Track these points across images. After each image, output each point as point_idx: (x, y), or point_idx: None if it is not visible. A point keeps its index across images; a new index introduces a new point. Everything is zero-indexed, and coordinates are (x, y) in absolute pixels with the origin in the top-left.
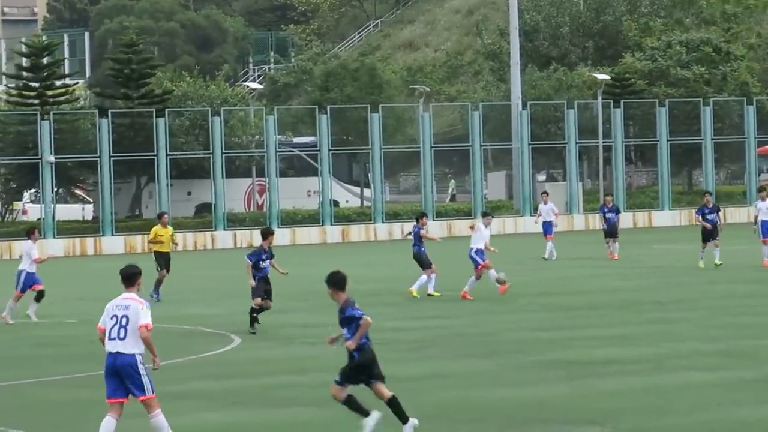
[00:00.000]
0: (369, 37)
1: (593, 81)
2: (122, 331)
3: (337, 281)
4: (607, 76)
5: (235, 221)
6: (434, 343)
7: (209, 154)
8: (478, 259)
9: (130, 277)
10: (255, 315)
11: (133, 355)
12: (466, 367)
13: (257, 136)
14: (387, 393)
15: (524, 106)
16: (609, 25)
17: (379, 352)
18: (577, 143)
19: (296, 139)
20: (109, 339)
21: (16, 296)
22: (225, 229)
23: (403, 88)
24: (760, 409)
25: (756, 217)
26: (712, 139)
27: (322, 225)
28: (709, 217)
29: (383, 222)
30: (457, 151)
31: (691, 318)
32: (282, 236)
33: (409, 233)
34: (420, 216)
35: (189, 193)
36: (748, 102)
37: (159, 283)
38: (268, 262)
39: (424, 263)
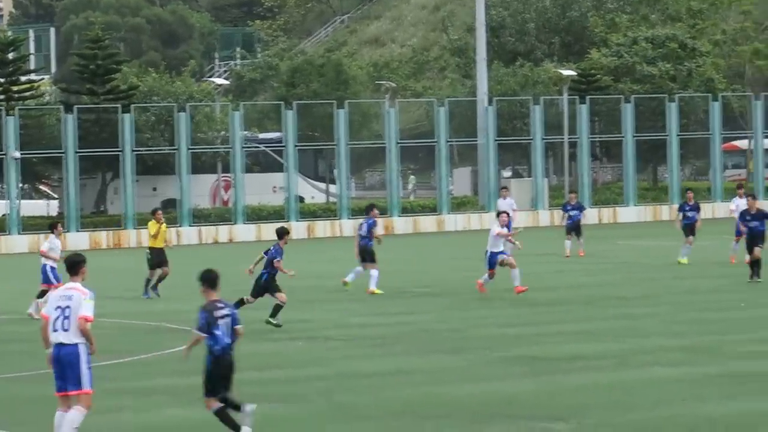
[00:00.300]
0: (335, 33)
1: (559, 77)
2: (65, 322)
3: (208, 279)
4: (572, 72)
5: (200, 217)
6: (400, 339)
7: (175, 149)
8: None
9: (73, 266)
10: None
11: (76, 345)
12: (432, 363)
13: (223, 132)
14: (216, 405)
15: (490, 102)
16: (575, 21)
17: (344, 348)
18: (542, 139)
19: (262, 135)
20: (53, 330)
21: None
22: (190, 225)
23: (369, 83)
24: (724, 405)
25: (732, 212)
26: (677, 135)
27: (288, 221)
28: (689, 214)
29: (349, 218)
30: (422, 147)
31: (655, 314)
32: (247, 232)
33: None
34: (370, 208)
35: (154, 189)
36: (713, 98)
37: (160, 279)
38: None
39: (369, 257)
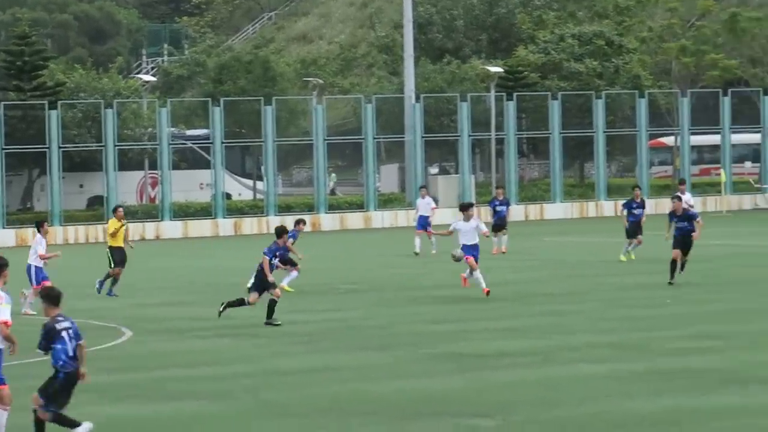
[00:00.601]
0: (263, 30)
1: (486, 74)
2: None
3: (50, 297)
4: (500, 69)
5: (127, 214)
6: (327, 335)
7: (102, 146)
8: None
9: None
10: (228, 306)
11: None
12: (359, 360)
13: (150, 129)
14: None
15: (417, 99)
16: (502, 17)
17: (271, 345)
18: (469, 136)
19: (189, 132)
20: None
21: (35, 291)
22: None
23: (297, 80)
24: (651, 401)
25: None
26: (604, 132)
27: (215, 218)
28: (636, 211)
29: (276, 215)
30: (350, 144)
31: (582, 310)
32: (174, 229)
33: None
34: (297, 222)
35: (81, 186)
36: (639, 95)
37: (113, 278)
38: (276, 260)
39: (288, 263)
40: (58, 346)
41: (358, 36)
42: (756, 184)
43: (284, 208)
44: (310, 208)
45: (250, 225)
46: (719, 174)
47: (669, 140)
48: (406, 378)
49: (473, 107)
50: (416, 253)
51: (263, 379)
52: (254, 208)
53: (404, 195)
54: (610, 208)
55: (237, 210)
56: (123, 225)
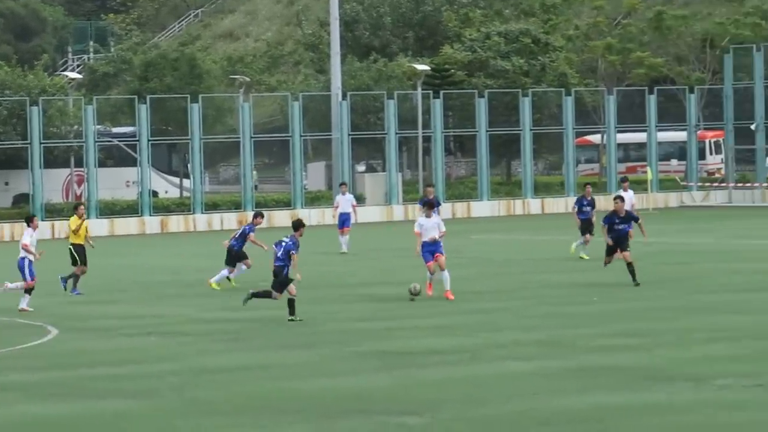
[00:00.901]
0: (189, 27)
1: (413, 71)
2: None
3: None
4: (426, 67)
5: (53, 212)
6: (254, 333)
7: (27, 144)
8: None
9: None
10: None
11: None
12: (286, 358)
13: (76, 126)
14: None
15: (344, 97)
16: (429, 15)
17: (198, 343)
18: (396, 134)
19: (115, 129)
20: None
21: (30, 285)
22: (43, 220)
23: (223, 78)
24: (577, 399)
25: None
26: (530, 130)
27: (141, 215)
28: (586, 209)
29: (202, 213)
30: (276, 142)
31: (509, 308)
32: (100, 227)
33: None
34: (256, 215)
35: (6, 184)
36: (566, 93)
37: (77, 278)
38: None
39: (238, 257)
40: None
41: (284, 33)
42: (682, 182)
43: (211, 206)
44: (237, 206)
45: (176, 223)
46: (645, 172)
47: (595, 138)
48: (332, 376)
49: (400, 105)
50: (341, 252)
51: (189, 377)
52: (181, 206)
53: (331, 193)
54: (537, 205)
55: (163, 208)
56: (83, 222)
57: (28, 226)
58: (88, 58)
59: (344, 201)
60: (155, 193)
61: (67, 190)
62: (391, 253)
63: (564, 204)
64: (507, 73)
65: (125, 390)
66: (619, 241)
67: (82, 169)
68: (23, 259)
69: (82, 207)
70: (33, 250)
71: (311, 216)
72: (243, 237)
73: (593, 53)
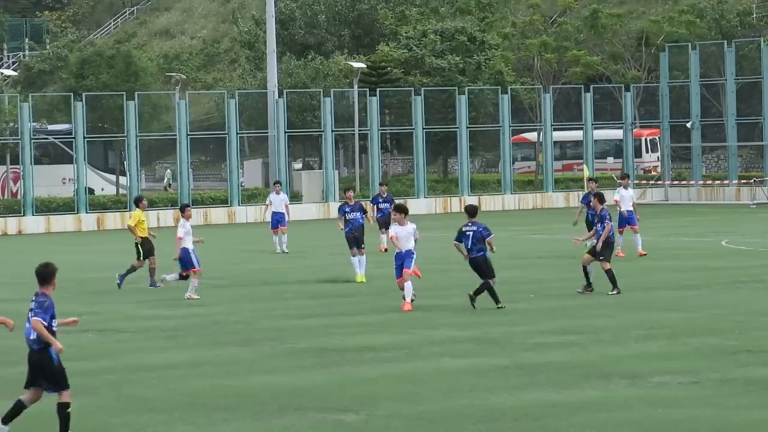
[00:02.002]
0: (125, 25)
1: (349, 69)
2: None
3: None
4: (363, 65)
5: None
6: (191, 331)
7: None
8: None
9: None
10: None
11: None
12: (222, 355)
13: (11, 124)
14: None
15: (280, 95)
16: (365, 13)
17: (135, 340)
18: (333, 131)
19: (51, 127)
20: None
21: (196, 272)
22: None
23: (160, 75)
24: (513, 396)
25: (618, 202)
26: (467, 128)
27: (77, 213)
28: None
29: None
30: (213, 139)
31: (445, 305)
32: (36, 224)
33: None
34: (183, 207)
35: None
36: (502, 91)
37: (132, 270)
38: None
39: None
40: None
41: (220, 31)
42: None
43: (148, 204)
44: (174, 203)
45: (113, 220)
46: (582, 169)
47: (532, 136)
48: (269, 373)
49: (336, 103)
50: (283, 252)
51: (126, 374)
52: (117, 203)
53: (268, 190)
54: (474, 203)
55: (100, 205)
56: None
57: (183, 215)
58: (24, 56)
59: (278, 200)
60: (91, 191)
61: (3, 188)
62: (327, 251)
63: (501, 201)
64: (443, 71)
65: None
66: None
67: (18, 167)
68: (186, 249)
69: (145, 201)
70: (190, 237)
71: (248, 213)
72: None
73: (529, 51)
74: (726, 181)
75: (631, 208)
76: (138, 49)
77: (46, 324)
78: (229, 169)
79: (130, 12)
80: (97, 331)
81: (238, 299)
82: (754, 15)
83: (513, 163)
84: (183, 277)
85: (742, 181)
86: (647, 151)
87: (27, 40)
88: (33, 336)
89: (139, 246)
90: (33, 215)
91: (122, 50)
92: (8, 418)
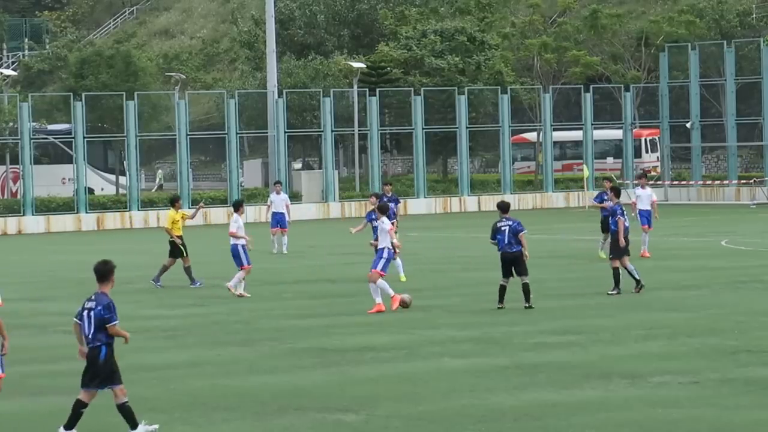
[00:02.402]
0: (124, 24)
1: (349, 69)
2: None
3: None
4: (362, 65)
5: None
6: (190, 331)
7: None
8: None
9: None
10: None
11: None
12: (222, 355)
13: (11, 123)
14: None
15: (280, 95)
16: (364, 13)
17: (135, 340)
18: (333, 131)
19: (51, 127)
20: None
21: (247, 270)
22: None
23: (159, 75)
24: (513, 396)
25: (634, 204)
26: (467, 128)
27: (77, 213)
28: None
29: (139, 210)
30: (213, 139)
31: (446, 305)
32: (36, 224)
33: None
34: (238, 203)
35: None
36: (502, 91)
37: (165, 270)
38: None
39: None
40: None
41: (220, 31)
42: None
43: (147, 204)
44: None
45: (112, 220)
46: (581, 170)
47: (531, 136)
48: (269, 373)
49: (336, 103)
50: (281, 253)
51: (125, 374)
52: (117, 203)
53: (267, 190)
54: (474, 203)
55: (100, 205)
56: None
57: (236, 211)
58: (23, 55)
59: (278, 200)
60: (91, 191)
61: (3, 187)
62: (327, 251)
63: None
64: (443, 71)
65: (61, 387)
66: (614, 244)
67: (17, 166)
68: (236, 245)
69: (180, 201)
70: (242, 234)
71: (247, 213)
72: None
73: (529, 51)
74: (726, 182)
75: (649, 208)
76: (137, 49)
77: (116, 323)
78: (229, 169)
79: (130, 12)
80: None
81: (238, 299)
82: (754, 15)
83: (513, 163)
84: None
85: (742, 181)
86: (647, 152)
87: (26, 39)
88: (89, 334)
89: (179, 245)
90: (33, 215)
91: (122, 50)
92: (70, 424)
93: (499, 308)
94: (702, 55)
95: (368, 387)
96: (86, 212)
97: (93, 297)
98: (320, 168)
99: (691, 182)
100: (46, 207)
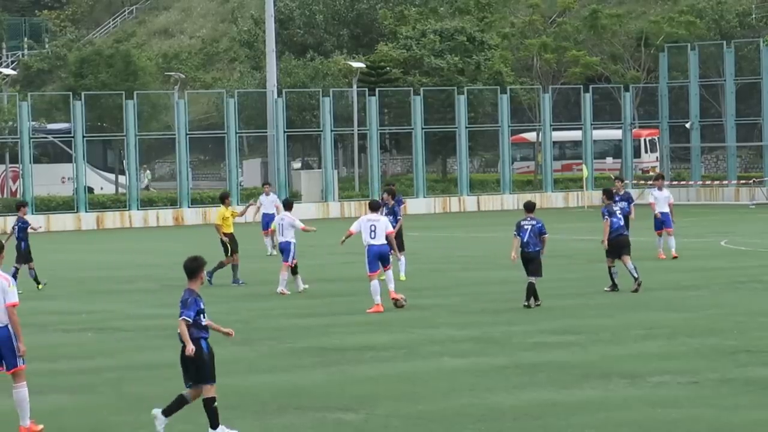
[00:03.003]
0: (124, 24)
1: (349, 69)
2: None
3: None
4: (362, 65)
5: None
6: None
7: None
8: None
9: None
10: None
11: (6, 326)
12: (222, 354)
13: (11, 123)
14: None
15: (280, 94)
16: (364, 13)
17: (135, 339)
18: (332, 131)
19: (50, 126)
20: None
21: (287, 266)
22: None
23: (159, 75)
24: (513, 395)
25: (653, 205)
26: (466, 128)
27: (77, 212)
28: (619, 205)
29: (138, 209)
30: (212, 139)
31: (445, 304)
32: (36, 223)
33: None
34: (20, 205)
35: None
36: (501, 91)
37: (235, 267)
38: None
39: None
40: None
41: (219, 31)
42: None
43: (147, 203)
44: (173, 203)
45: (112, 219)
46: (581, 170)
47: (531, 136)
48: (268, 372)
49: (336, 102)
50: (271, 254)
51: (126, 372)
52: (116, 203)
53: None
54: (473, 203)
55: (99, 204)
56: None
57: (287, 209)
58: (23, 55)
59: (267, 202)
60: (91, 190)
61: (2, 187)
62: (327, 250)
63: (500, 201)
64: (442, 71)
65: (62, 385)
66: (616, 243)
67: (17, 166)
68: (289, 242)
69: (230, 198)
70: (294, 228)
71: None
72: (24, 231)
73: (529, 51)
74: (725, 182)
75: (667, 210)
76: (137, 48)
77: (190, 321)
78: (228, 169)
79: (129, 11)
80: (96, 330)
81: (237, 298)
82: (754, 15)
83: (512, 163)
84: (293, 271)
85: (741, 181)
86: (646, 152)
87: (26, 39)
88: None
89: (226, 243)
90: (32, 214)
91: (121, 49)
92: (169, 411)
93: (525, 306)
94: (701, 56)
95: (368, 386)
96: (86, 211)
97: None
98: (319, 168)
99: (690, 182)
100: (46, 206)
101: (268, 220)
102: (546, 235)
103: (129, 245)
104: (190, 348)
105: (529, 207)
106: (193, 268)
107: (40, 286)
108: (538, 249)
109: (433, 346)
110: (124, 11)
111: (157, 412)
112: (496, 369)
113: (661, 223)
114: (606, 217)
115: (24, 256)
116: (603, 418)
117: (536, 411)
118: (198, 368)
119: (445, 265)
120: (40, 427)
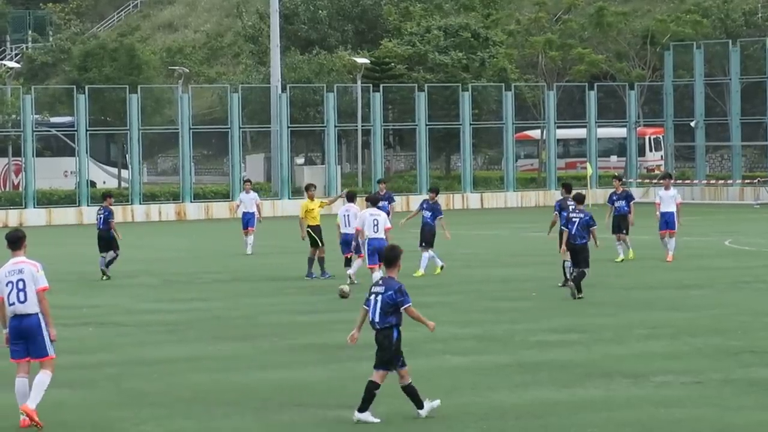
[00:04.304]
0: (128, 18)
1: (353, 65)
2: (21, 294)
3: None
4: (366, 60)
5: None
6: (191, 325)
7: None
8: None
9: (16, 241)
10: None
11: (36, 314)
12: (223, 350)
13: (14, 116)
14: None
15: (284, 89)
16: (368, 9)
17: (135, 334)
18: (336, 127)
19: (54, 119)
20: (9, 305)
21: (362, 258)
22: None
23: (162, 69)
24: (515, 394)
25: (658, 206)
26: (470, 125)
27: (79, 206)
28: (618, 204)
29: (141, 203)
30: (215, 133)
31: (448, 302)
32: (38, 217)
33: None
34: (107, 195)
35: None
36: (506, 88)
37: (322, 260)
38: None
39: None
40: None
41: (224, 25)
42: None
43: (149, 197)
44: (176, 197)
45: (114, 213)
46: (585, 167)
47: (535, 133)
48: (269, 369)
49: (340, 98)
50: (246, 254)
51: (126, 368)
52: (119, 197)
53: (270, 185)
54: (476, 200)
55: (101, 198)
56: (316, 203)
57: (349, 200)
58: (27, 48)
59: (248, 199)
60: (93, 184)
61: (5, 180)
62: (329, 246)
63: (503, 199)
64: (447, 68)
65: (62, 380)
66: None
67: (19, 159)
68: (348, 234)
69: (313, 189)
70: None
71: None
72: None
73: (534, 49)
74: (729, 181)
75: (672, 210)
76: (141, 42)
77: (410, 305)
78: (231, 164)
79: (134, 5)
80: (97, 325)
81: (239, 294)
82: (760, 15)
83: (516, 161)
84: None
85: (746, 180)
86: (651, 150)
87: (30, 32)
88: (376, 318)
89: (311, 235)
90: (34, 208)
91: (125, 43)
92: (364, 406)
93: (560, 286)
94: (707, 54)
95: None
96: (88, 205)
97: (380, 282)
98: (323, 163)
99: (694, 181)
100: (48, 200)
101: (248, 218)
102: (595, 227)
103: (130, 240)
104: (431, 324)
105: (579, 199)
106: (393, 257)
107: (104, 278)
108: (585, 241)
109: (435, 344)
110: (129, 5)
111: (360, 416)
112: (498, 367)
113: (666, 224)
114: (561, 226)
115: (109, 244)
116: (605, 418)
117: (538, 410)
118: (391, 355)
119: (447, 262)
120: (41, 423)
